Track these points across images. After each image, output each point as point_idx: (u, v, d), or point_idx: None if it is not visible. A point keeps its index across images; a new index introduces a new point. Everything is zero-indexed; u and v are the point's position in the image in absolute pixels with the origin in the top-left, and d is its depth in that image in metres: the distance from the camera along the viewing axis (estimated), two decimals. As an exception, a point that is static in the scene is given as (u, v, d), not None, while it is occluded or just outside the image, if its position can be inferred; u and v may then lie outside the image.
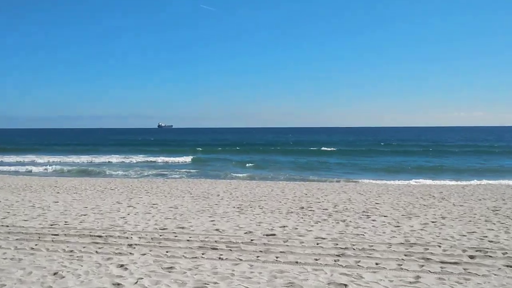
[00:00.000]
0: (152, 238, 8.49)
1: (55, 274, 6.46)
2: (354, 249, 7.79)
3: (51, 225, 9.72)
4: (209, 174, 27.55)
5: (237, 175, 26.34)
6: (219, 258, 7.27)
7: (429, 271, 6.66)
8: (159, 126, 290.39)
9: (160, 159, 37.89)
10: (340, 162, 36.06)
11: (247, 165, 33.30)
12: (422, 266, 6.88)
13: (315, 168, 31.77)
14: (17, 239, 8.50)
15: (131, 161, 38.12)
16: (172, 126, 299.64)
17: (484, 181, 22.44)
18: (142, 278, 6.23)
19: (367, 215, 11.18)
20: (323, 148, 47.73)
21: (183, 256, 7.39)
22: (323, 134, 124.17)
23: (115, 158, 40.12)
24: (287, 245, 8.01)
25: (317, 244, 8.11)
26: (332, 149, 47.85)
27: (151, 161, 37.99)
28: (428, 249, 7.82)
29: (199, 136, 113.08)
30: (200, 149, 48.40)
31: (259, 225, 9.82)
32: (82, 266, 6.85)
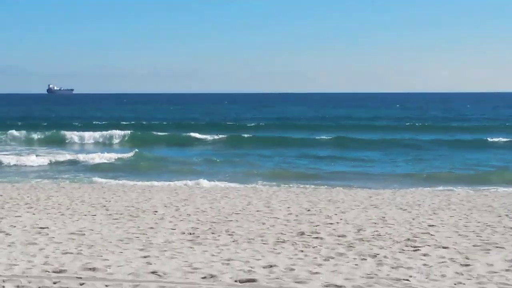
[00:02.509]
0: (39, 288, 8.40)
1: None
2: (392, 305, 7.82)
3: None
4: (138, 173, 27.44)
5: (187, 178, 26.26)
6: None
7: None
8: (49, 90, 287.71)
9: (58, 154, 37.48)
10: (364, 155, 36.27)
11: (198, 159, 33.31)
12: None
13: (322, 165, 31.84)
14: None
15: None
16: (72, 90, 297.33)
17: None
18: None
19: (414, 246, 11.23)
20: (334, 135, 47.68)
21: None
22: (329, 105, 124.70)
23: None
24: (276, 299, 7.99)
25: (329, 296, 8.11)
26: (351, 136, 47.75)
27: (42, 155, 37.63)
28: (518, 304, 7.89)
29: (118, 109, 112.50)
30: (122, 134, 47.68)
31: (228, 264, 9.78)
32: None
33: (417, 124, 61.04)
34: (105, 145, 43.16)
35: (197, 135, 46.17)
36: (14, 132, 45.77)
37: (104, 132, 46.32)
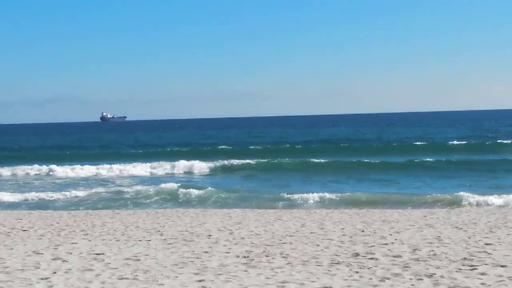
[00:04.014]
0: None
1: None
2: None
3: None
4: (190, 198, 27.45)
5: (233, 198, 26.24)
6: None
7: None
8: (103, 118, 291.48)
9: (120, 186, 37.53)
10: (416, 173, 35.90)
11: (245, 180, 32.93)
12: None
13: (375, 184, 31.65)
14: None
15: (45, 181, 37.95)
16: (125, 117, 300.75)
17: None
18: None
19: (472, 266, 11.10)
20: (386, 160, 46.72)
21: None
22: (380, 125, 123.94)
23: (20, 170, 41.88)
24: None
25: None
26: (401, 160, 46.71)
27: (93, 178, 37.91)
28: None
29: (167, 135, 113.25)
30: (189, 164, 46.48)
31: (283, 286, 9.80)
32: None
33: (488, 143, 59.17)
34: (155, 176, 42.28)
35: (249, 161, 44.98)
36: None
37: (154, 163, 44.91)
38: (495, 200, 23.16)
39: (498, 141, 58.26)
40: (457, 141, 59.70)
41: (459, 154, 47.83)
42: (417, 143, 59.73)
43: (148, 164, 43.71)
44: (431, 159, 41.82)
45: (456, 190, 26.71)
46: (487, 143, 57.58)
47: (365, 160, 42.68)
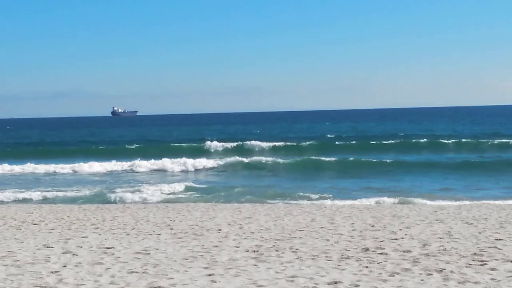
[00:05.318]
0: (106, 307, 8.47)
1: None
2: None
3: None
4: (202, 193, 27.45)
5: (242, 193, 26.26)
6: None
7: None
8: (114, 112, 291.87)
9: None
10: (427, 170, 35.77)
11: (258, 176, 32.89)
12: None
13: (384, 177, 31.64)
14: None
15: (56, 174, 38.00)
16: (136, 112, 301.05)
17: None
18: None
19: (482, 261, 11.06)
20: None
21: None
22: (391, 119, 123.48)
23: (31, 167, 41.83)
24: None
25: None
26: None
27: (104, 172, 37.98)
28: None
29: (186, 129, 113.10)
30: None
31: (292, 281, 9.78)
32: None
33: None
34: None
35: (259, 157, 44.59)
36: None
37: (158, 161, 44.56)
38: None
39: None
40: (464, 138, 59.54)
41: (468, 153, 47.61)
42: (423, 140, 59.21)
43: (155, 160, 43.48)
44: (437, 158, 41.74)
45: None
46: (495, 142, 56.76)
47: (374, 160, 42.30)
